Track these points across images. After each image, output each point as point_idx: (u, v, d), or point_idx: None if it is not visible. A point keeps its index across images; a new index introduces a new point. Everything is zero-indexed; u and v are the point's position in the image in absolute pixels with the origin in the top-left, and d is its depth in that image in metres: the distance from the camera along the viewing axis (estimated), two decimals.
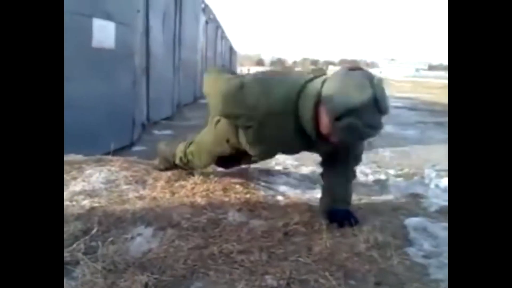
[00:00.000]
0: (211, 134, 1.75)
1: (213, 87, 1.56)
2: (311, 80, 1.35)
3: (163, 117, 6.44)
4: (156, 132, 5.51)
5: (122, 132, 4.38)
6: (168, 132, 5.55)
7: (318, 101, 1.27)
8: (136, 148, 4.43)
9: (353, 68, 1.28)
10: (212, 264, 1.14)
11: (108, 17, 4.03)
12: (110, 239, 1.24)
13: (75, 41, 3.29)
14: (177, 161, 1.95)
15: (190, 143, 1.90)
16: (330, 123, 1.23)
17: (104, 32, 4.04)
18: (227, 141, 1.67)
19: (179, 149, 1.93)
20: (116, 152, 2.86)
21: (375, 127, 1.23)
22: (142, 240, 1.28)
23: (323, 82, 1.29)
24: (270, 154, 1.70)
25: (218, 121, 1.68)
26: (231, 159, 1.90)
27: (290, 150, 1.63)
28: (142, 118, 5.43)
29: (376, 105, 1.19)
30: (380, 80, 1.24)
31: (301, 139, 1.40)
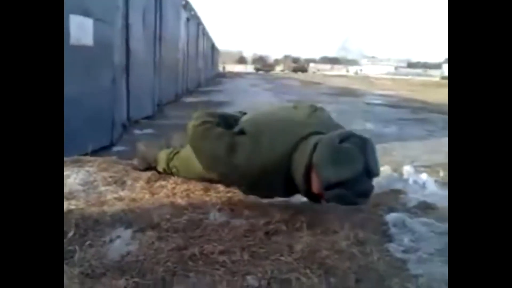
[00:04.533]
0: (199, 165, 1.63)
1: (200, 144, 1.49)
2: (304, 138, 1.36)
3: (144, 116, 6.35)
4: (137, 131, 5.42)
5: (101, 132, 4.29)
6: (149, 131, 5.47)
7: (310, 165, 1.29)
8: (117, 148, 4.34)
9: (345, 136, 1.27)
10: (192, 265, 1.12)
11: (86, 13, 3.93)
12: (87, 242, 1.21)
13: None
14: (160, 169, 1.93)
15: (174, 155, 1.87)
16: (321, 189, 1.28)
17: (82, 29, 3.94)
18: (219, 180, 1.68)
19: (162, 158, 1.91)
20: (96, 152, 2.80)
21: (365, 195, 1.28)
22: (121, 243, 1.26)
23: (315, 145, 1.30)
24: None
25: None
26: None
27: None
28: (122, 117, 5.33)
29: (367, 173, 1.23)
30: (371, 145, 1.26)
31: (291, 192, 1.47)
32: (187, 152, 1.76)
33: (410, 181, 2.44)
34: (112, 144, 4.50)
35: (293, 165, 1.34)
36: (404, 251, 1.31)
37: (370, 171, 1.24)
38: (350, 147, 1.24)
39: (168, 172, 1.90)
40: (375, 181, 2.34)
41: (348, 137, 1.27)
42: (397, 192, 2.06)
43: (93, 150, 2.76)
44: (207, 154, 1.47)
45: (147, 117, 6.46)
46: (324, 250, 1.24)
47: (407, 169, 2.70)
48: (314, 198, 1.40)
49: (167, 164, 1.88)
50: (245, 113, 1.76)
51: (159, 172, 1.94)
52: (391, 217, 1.60)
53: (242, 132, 1.45)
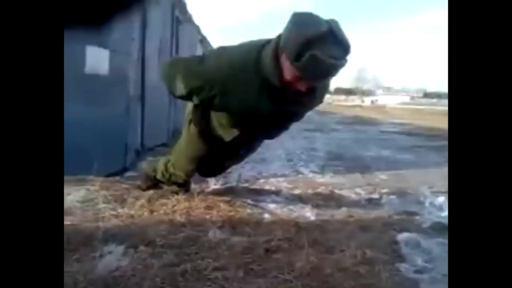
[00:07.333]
0: (185, 136, 1.72)
1: (173, 69, 1.49)
2: (270, 40, 1.34)
3: (158, 143, 6.39)
4: (150, 158, 5.43)
5: (114, 157, 4.31)
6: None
7: (277, 49, 1.25)
8: (129, 174, 4.34)
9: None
10: (181, 281, 1.04)
11: (102, 44, 4.06)
12: (74, 256, 1.15)
13: (68, 67, 3.29)
14: (159, 176, 1.89)
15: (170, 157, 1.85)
16: (291, 65, 1.20)
17: (98, 59, 4.05)
18: (202, 133, 1.61)
19: (160, 164, 1.88)
20: (109, 177, 2.78)
21: (338, 57, 1.17)
22: (112, 258, 1.19)
23: (280, 34, 1.27)
24: (245, 131, 1.57)
25: (190, 120, 1.64)
26: (213, 163, 1.82)
27: (262, 116, 1.46)
28: (136, 144, 5.38)
29: (335, 36, 1.15)
30: (335, 20, 1.21)
31: (268, 97, 1.35)
32: (177, 142, 1.82)
33: (426, 203, 2.32)
34: (125, 169, 4.52)
35: (262, 58, 1.30)
36: (416, 271, 1.20)
37: (336, 34, 1.15)
38: (311, 15, 1.21)
39: (166, 177, 1.87)
40: (389, 202, 2.25)
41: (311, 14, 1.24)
42: (412, 213, 1.95)
43: (107, 174, 2.75)
44: (180, 73, 1.42)
45: (162, 144, 6.50)
46: (327, 268, 1.14)
47: (423, 190, 2.58)
48: (292, 93, 1.31)
49: (165, 165, 1.84)
50: None
51: (160, 182, 1.92)
52: (403, 236, 1.49)
53: None
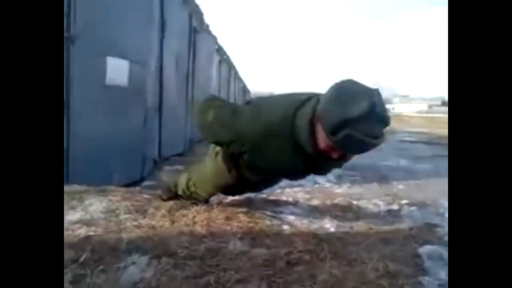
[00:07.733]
0: (212, 165, 1.71)
1: (205, 115, 1.47)
2: (309, 99, 1.31)
3: (175, 154, 6.46)
4: (167, 167, 5.48)
5: (132, 167, 4.38)
6: (179, 167, 5.52)
7: (313, 116, 1.23)
8: (146, 183, 4.40)
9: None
10: None
11: (122, 55, 4.15)
12: (100, 267, 1.18)
13: (89, 78, 3.39)
14: (180, 192, 1.92)
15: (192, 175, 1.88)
16: (326, 137, 1.17)
17: (117, 70, 4.15)
18: (229, 170, 1.63)
19: (182, 180, 1.90)
20: (127, 186, 2.83)
21: (377, 137, 1.14)
22: (135, 269, 1.21)
23: (319, 99, 1.24)
24: (272, 179, 1.63)
25: (217, 153, 1.66)
26: (236, 188, 1.85)
27: (292, 173, 1.53)
28: (153, 154, 5.45)
29: (376, 114, 1.11)
30: (378, 92, 1.17)
31: (301, 159, 1.34)
32: (202, 164, 1.81)
33: (447, 215, 2.28)
34: (142, 179, 4.58)
35: (297, 123, 1.26)
36: (440, 285, 1.18)
37: (379, 113, 1.11)
38: (354, 86, 1.17)
39: (187, 194, 1.89)
40: (409, 213, 2.22)
41: (354, 84, 1.20)
42: (433, 225, 1.92)
43: (125, 184, 2.80)
44: (211, 122, 1.41)
45: (178, 154, 6.57)
46: (350, 281, 1.14)
47: (442, 202, 2.54)
48: (325, 158, 1.28)
49: (187, 183, 1.86)
50: None
51: (180, 197, 1.93)
52: (426, 249, 1.47)
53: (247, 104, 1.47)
